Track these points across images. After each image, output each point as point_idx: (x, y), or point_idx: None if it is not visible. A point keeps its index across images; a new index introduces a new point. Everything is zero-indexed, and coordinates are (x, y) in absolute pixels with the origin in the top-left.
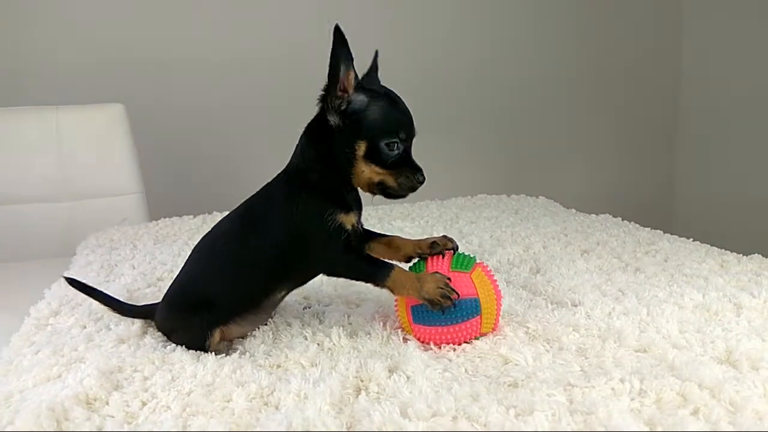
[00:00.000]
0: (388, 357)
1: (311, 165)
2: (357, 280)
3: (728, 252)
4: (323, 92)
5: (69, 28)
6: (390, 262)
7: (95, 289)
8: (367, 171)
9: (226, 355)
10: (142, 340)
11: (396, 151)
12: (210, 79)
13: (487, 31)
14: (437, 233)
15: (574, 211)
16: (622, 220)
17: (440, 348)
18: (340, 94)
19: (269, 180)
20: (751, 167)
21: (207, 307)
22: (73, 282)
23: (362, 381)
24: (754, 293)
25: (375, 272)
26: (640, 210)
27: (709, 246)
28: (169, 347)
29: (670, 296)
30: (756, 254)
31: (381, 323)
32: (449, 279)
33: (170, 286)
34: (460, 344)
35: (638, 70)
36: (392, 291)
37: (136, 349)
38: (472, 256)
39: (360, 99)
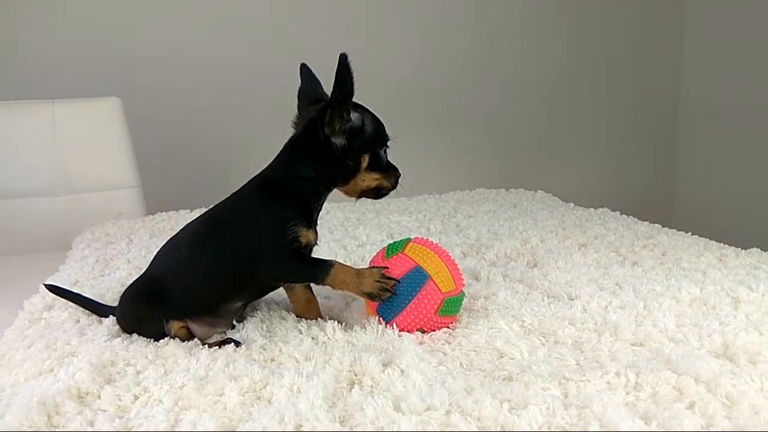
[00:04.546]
0: (383, 351)
1: (295, 179)
2: (299, 282)
3: (727, 246)
4: (323, 116)
5: (65, 21)
6: (330, 259)
7: (73, 293)
8: (367, 179)
9: (219, 349)
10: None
11: (386, 156)
12: (207, 73)
13: (486, 26)
14: (434, 227)
15: (572, 205)
16: (621, 214)
17: (435, 342)
18: (346, 116)
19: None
20: (750, 161)
21: (163, 302)
22: (52, 288)
23: (356, 375)
24: (752, 287)
25: (316, 272)
26: (639, 204)
27: (707, 240)
28: (162, 341)
29: (667, 290)
30: (755, 248)
31: (376, 317)
32: (386, 268)
33: (129, 285)
34: (436, 323)
35: (638, 63)
36: (333, 288)
37: (129, 343)
38: (403, 239)
39: (356, 117)
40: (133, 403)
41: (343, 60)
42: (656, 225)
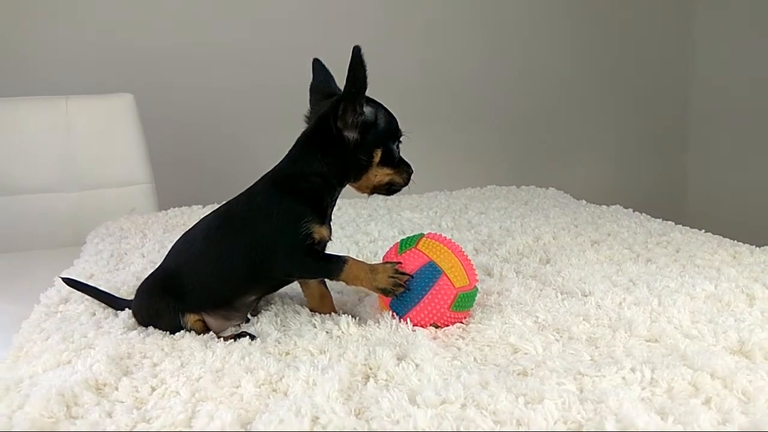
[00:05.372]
0: (397, 345)
1: (308, 175)
2: (313, 278)
3: (741, 243)
4: (335, 110)
5: (78, 17)
6: (343, 255)
7: (89, 286)
8: (380, 174)
9: (234, 342)
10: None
11: (399, 151)
12: (220, 68)
13: (498, 24)
14: (446, 224)
15: (584, 202)
16: (633, 211)
17: (449, 337)
18: (359, 110)
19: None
20: (762, 158)
21: (178, 296)
22: (69, 281)
23: (371, 369)
24: (766, 284)
25: (329, 269)
26: (651, 202)
27: (721, 237)
28: (177, 334)
29: (681, 287)
30: None
31: (390, 312)
32: (400, 263)
33: (145, 279)
34: (450, 318)
35: (650, 60)
36: (347, 283)
37: (145, 335)
38: (416, 234)
39: (369, 110)
40: (151, 394)
41: (357, 53)
42: (669, 222)
